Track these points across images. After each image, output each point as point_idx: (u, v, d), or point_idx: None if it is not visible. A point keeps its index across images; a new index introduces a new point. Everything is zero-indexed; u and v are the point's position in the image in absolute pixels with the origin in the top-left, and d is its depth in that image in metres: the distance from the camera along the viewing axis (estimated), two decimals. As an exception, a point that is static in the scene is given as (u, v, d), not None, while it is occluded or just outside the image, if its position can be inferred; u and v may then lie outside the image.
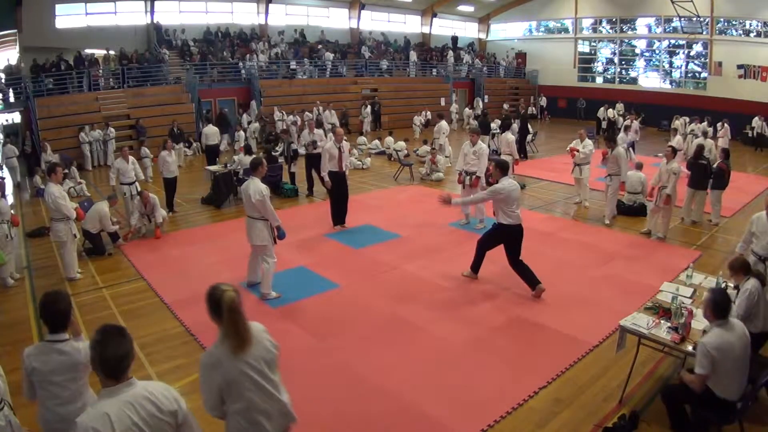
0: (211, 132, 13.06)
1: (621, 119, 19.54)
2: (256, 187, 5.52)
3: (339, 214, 8.43)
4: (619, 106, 21.01)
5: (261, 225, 5.63)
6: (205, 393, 2.39)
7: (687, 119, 16.97)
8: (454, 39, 28.05)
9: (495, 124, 15.94)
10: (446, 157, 13.46)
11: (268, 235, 5.67)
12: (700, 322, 3.72)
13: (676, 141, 13.23)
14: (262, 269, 5.88)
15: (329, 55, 22.09)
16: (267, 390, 2.40)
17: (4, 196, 7.01)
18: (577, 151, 9.58)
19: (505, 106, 22.46)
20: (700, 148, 8.88)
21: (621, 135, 12.76)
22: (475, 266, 6.32)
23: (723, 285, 4.42)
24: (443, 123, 13.58)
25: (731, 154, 9.33)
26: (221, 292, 2.33)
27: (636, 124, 14.52)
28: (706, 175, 8.54)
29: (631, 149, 12.67)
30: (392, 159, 14.38)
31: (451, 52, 26.53)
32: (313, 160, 9.83)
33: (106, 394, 1.94)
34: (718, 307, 3.27)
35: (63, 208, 6.27)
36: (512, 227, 5.74)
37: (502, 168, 5.87)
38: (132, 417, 1.90)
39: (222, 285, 2.39)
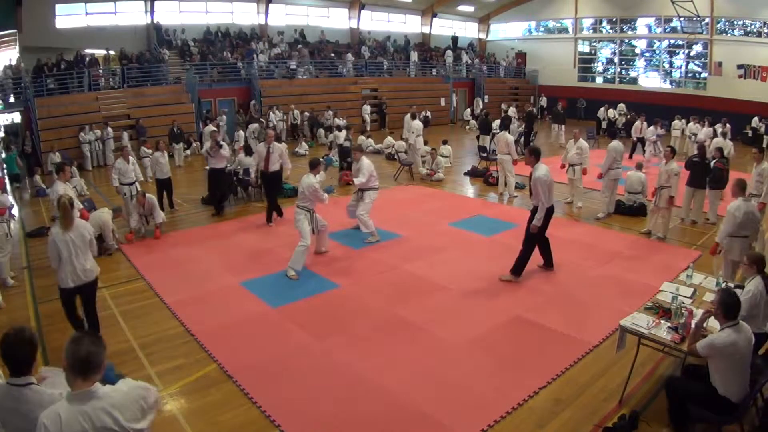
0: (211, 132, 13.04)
1: (622, 119, 19.58)
2: (308, 181, 6.56)
3: (269, 212, 8.85)
4: (621, 105, 21.02)
5: (301, 216, 6.63)
6: (49, 253, 4.48)
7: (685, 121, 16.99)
8: (454, 39, 28.03)
9: (495, 124, 15.93)
10: (446, 157, 13.46)
11: (302, 221, 6.62)
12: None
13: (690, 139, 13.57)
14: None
15: (350, 57, 22.45)
16: (76, 254, 4.46)
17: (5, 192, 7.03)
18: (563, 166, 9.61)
19: (503, 105, 22.37)
20: (702, 148, 8.90)
21: (651, 128, 13.63)
22: (519, 268, 6.25)
23: (723, 285, 4.43)
24: (415, 122, 13.52)
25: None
26: (60, 197, 4.53)
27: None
28: (705, 175, 8.55)
29: (658, 143, 13.06)
30: (393, 158, 14.36)
31: (449, 52, 26.49)
32: (216, 175, 9.32)
33: (68, 398, 2.01)
34: (728, 308, 3.27)
35: None
36: (550, 208, 6.18)
37: (535, 154, 6.21)
38: (83, 424, 1.97)
39: (65, 195, 4.78)
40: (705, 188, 8.61)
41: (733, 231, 5.27)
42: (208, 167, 9.47)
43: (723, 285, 4.43)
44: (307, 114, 18.91)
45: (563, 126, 17.79)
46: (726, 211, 5.38)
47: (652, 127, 13.84)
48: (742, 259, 5.01)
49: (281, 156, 8.90)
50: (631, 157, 13.81)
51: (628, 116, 18.48)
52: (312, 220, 6.72)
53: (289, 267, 6.49)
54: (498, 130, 14.73)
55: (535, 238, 6.24)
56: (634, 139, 14.73)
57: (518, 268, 6.23)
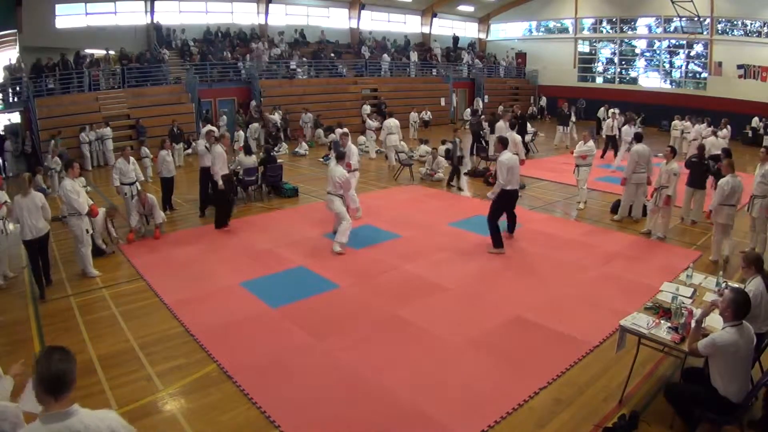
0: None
1: (621, 119, 19.57)
2: (341, 172, 7.31)
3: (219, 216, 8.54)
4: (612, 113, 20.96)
5: (338, 201, 7.38)
6: (13, 213, 6.13)
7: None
8: (455, 39, 28.04)
9: (485, 124, 15.88)
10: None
11: (338, 205, 7.38)
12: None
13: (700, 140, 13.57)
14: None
15: (387, 57, 22.57)
16: (29, 215, 5.92)
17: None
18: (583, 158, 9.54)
19: (501, 107, 22.34)
20: (702, 148, 8.90)
21: (625, 127, 13.28)
22: (497, 241, 7.10)
23: (723, 285, 4.43)
24: (390, 120, 13.60)
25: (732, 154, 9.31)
26: (23, 173, 6.47)
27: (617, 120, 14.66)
28: (704, 175, 8.55)
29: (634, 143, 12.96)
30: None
31: (436, 43, 26.44)
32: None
33: (41, 420, 2.00)
34: (739, 308, 3.25)
35: (74, 202, 6.37)
36: (513, 192, 7.08)
37: (503, 143, 7.10)
38: None
39: (29, 173, 6.79)
40: (705, 188, 8.61)
41: (722, 201, 6.63)
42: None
43: (723, 285, 4.43)
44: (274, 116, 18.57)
45: (568, 127, 17.75)
46: (718, 186, 6.68)
47: (626, 126, 13.30)
48: (727, 222, 6.69)
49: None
50: (603, 156, 14.41)
51: (625, 116, 18.48)
52: (344, 203, 7.50)
53: (336, 242, 7.26)
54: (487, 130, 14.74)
55: (492, 212, 7.08)
56: (604, 136, 14.99)
57: (496, 242, 7.10)
